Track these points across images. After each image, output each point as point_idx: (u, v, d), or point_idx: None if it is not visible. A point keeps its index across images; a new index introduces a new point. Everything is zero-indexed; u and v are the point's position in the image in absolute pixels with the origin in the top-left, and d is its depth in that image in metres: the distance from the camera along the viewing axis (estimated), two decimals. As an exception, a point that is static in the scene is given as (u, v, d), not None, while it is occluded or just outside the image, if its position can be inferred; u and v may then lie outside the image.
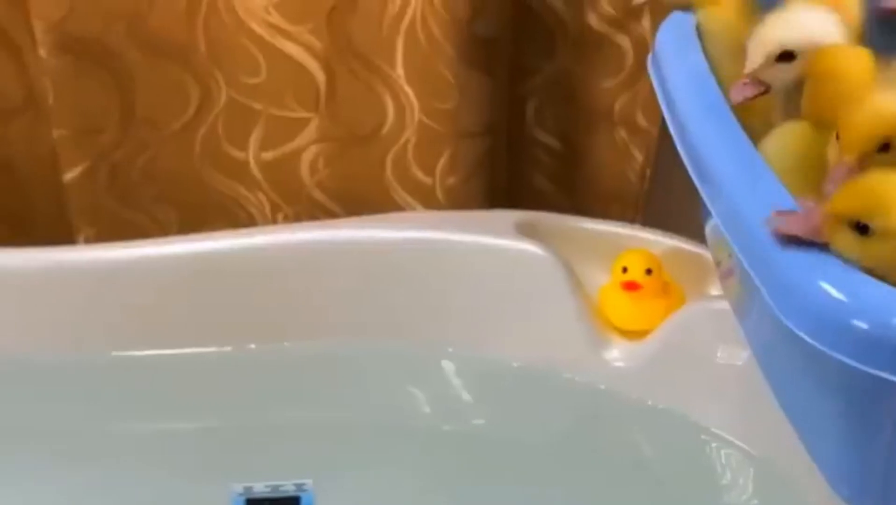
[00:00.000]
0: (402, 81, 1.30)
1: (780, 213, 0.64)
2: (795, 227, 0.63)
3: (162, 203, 1.38)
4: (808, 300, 0.61)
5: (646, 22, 1.30)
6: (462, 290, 1.17)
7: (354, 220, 1.23)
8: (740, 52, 0.78)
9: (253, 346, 1.20)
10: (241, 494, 1.10)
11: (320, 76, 1.31)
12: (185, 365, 1.19)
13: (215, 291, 1.18)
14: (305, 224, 1.26)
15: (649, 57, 0.87)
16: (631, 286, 1.12)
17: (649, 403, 1.12)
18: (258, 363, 1.20)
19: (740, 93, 0.76)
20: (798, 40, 0.75)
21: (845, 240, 0.62)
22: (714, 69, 0.82)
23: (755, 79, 0.76)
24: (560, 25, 1.32)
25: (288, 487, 1.10)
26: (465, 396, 1.20)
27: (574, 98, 1.36)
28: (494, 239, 1.16)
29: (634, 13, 1.30)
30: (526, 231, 1.17)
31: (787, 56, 0.75)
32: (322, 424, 1.18)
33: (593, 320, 1.13)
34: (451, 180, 1.34)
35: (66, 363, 1.18)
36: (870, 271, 0.62)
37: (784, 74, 0.76)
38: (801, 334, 0.62)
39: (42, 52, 1.27)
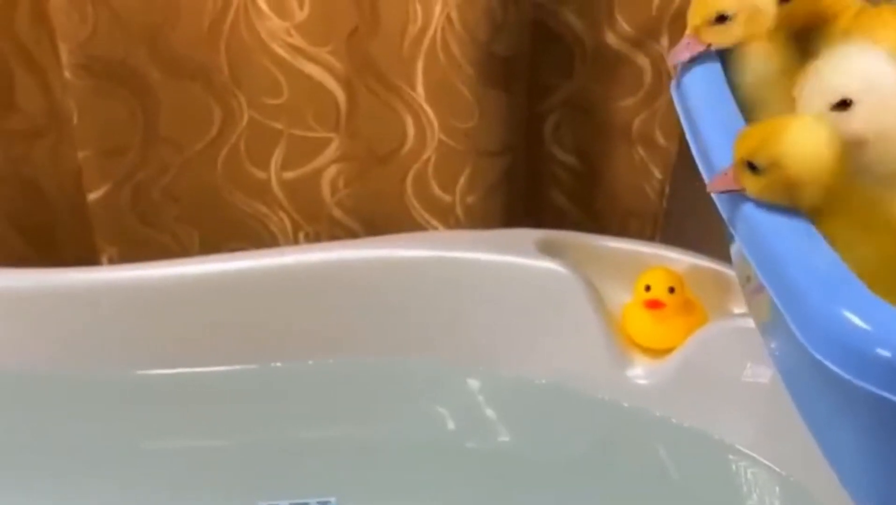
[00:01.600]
0: (422, 101, 1.30)
1: (712, 178, 0.73)
2: (721, 185, 0.72)
3: (184, 222, 1.38)
4: (833, 329, 0.62)
5: (664, 41, 1.30)
6: (486, 308, 1.17)
7: (378, 239, 1.23)
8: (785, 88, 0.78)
9: (278, 364, 1.20)
10: (265, 512, 1.10)
11: (341, 96, 1.31)
12: (208, 383, 1.19)
13: (239, 310, 1.18)
14: (329, 244, 1.27)
15: (672, 84, 0.87)
16: (654, 304, 1.12)
17: (673, 421, 1.11)
18: (283, 381, 1.20)
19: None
20: (857, 89, 0.73)
21: (749, 181, 0.70)
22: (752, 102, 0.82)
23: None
24: (578, 44, 1.32)
25: (312, 505, 1.10)
26: (489, 414, 1.20)
27: (592, 116, 1.36)
28: (517, 258, 1.16)
29: (652, 32, 1.30)
30: (548, 249, 1.17)
31: (844, 104, 0.73)
32: (346, 441, 1.18)
33: (616, 338, 1.13)
34: (471, 199, 1.33)
35: (90, 382, 1.19)
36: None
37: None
38: (827, 363, 0.62)
39: (66, 73, 1.28)
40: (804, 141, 0.70)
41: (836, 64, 0.75)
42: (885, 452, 0.68)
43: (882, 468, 0.69)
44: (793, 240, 0.68)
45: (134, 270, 1.18)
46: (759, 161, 0.69)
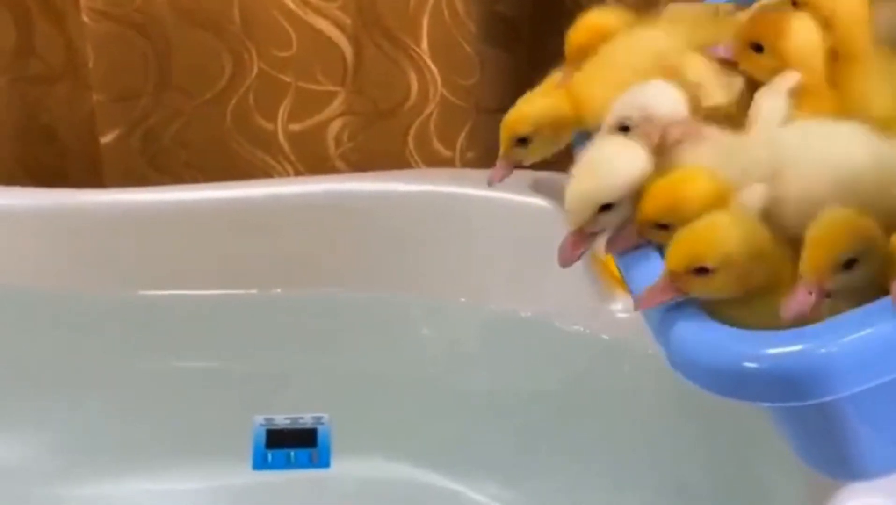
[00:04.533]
0: (427, 57, 1.43)
1: (640, 296, 0.79)
2: (656, 299, 0.78)
3: (192, 169, 1.50)
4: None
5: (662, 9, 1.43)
6: (474, 242, 1.29)
7: (375, 174, 1.36)
8: None
9: (279, 290, 1.32)
10: (262, 425, 1.22)
11: (348, 51, 1.44)
12: (209, 305, 1.31)
13: (242, 236, 1.30)
14: (326, 177, 1.40)
15: None
16: (634, 242, 1.24)
17: (649, 351, 1.23)
18: (282, 307, 1.32)
19: (571, 254, 0.86)
20: (616, 193, 0.83)
21: (696, 285, 0.76)
22: None
23: (582, 234, 0.86)
24: (579, 9, 1.45)
25: (306, 420, 1.23)
26: (475, 345, 1.32)
27: (592, 82, 1.48)
28: (507, 194, 1.27)
29: (651, 0, 1.43)
30: (540, 189, 1.28)
31: (608, 207, 0.84)
32: (338, 366, 1.30)
33: (599, 274, 1.25)
34: (471, 154, 1.47)
35: (93, 300, 1.30)
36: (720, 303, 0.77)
37: (611, 219, 0.84)
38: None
39: (84, 17, 1.40)
40: (740, 231, 0.76)
41: (591, 170, 0.85)
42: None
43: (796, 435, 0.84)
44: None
45: (140, 193, 1.30)
46: (710, 263, 0.74)
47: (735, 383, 0.74)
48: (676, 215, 0.80)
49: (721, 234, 0.76)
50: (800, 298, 0.74)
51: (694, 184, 0.81)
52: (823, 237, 0.75)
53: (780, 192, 0.80)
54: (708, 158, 0.83)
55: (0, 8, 1.43)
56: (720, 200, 0.80)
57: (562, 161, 1.51)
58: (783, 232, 0.79)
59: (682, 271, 0.76)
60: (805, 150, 0.81)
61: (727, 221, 0.77)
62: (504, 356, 1.29)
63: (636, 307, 0.79)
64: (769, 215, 0.79)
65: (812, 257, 0.75)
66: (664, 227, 0.81)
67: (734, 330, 0.75)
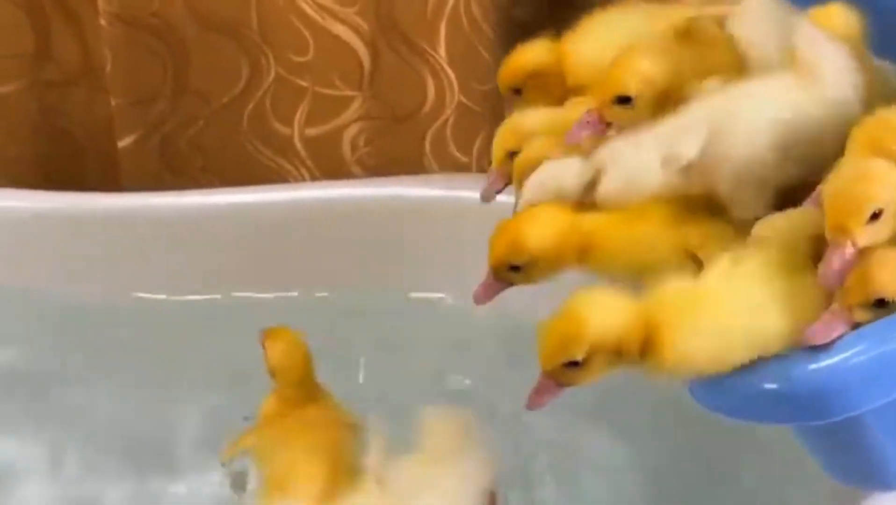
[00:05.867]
0: (444, 62, 1.44)
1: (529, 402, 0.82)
2: (544, 398, 0.82)
3: (208, 174, 1.51)
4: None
5: (681, 16, 1.43)
6: (485, 248, 1.29)
7: (392, 179, 1.37)
8: None
9: (295, 294, 1.33)
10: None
11: (365, 56, 1.45)
12: (227, 309, 1.32)
13: (260, 241, 1.32)
14: (338, 182, 1.42)
15: None
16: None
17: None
18: (299, 310, 1.33)
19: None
20: None
21: (573, 377, 0.80)
22: None
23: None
24: (596, 14, 1.46)
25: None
26: (487, 351, 1.32)
27: (609, 88, 1.48)
28: (519, 201, 1.28)
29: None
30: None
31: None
32: (352, 371, 1.30)
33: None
34: (487, 160, 1.47)
35: (112, 304, 1.32)
36: None
37: None
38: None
39: (102, 21, 1.41)
40: (605, 310, 0.78)
41: None
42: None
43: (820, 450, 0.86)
44: None
45: (156, 197, 1.31)
46: (579, 356, 0.77)
47: (757, 407, 0.75)
48: (521, 255, 0.86)
49: (584, 319, 0.77)
50: (837, 257, 0.72)
51: (531, 221, 0.87)
52: (849, 191, 0.72)
53: (718, 152, 0.81)
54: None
55: (17, 12, 1.44)
56: (564, 227, 0.86)
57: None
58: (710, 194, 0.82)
59: (551, 372, 0.78)
60: (740, 110, 0.82)
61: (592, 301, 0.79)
62: (514, 362, 1.28)
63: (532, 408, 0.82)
64: (700, 173, 0.82)
65: (838, 213, 0.72)
66: (517, 268, 0.87)
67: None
